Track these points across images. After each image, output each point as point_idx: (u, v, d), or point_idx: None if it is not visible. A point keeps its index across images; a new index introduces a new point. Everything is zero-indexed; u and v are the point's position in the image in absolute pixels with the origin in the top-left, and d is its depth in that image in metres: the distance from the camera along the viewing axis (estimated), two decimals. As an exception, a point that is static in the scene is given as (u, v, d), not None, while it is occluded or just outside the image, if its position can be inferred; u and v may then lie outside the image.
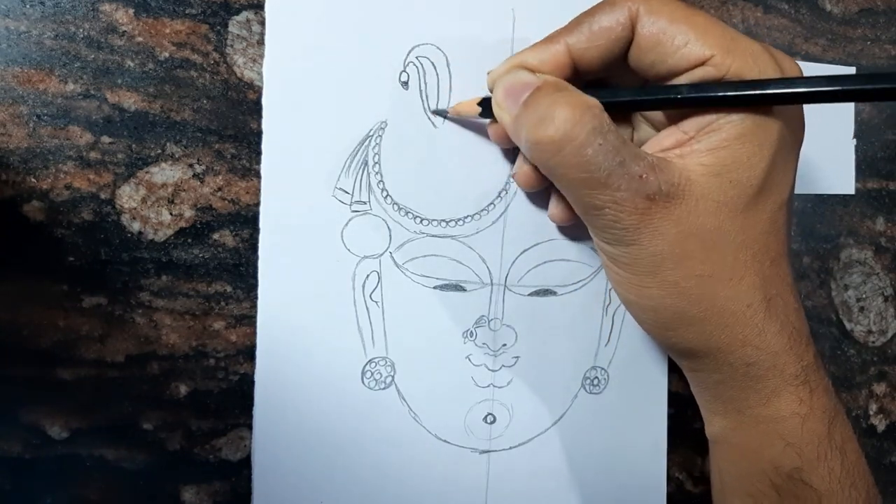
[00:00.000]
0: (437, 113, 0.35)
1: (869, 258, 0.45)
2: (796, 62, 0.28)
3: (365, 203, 0.35)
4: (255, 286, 0.34)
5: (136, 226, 0.33)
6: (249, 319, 0.34)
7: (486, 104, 0.33)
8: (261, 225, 0.34)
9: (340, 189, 0.35)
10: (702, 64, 0.26)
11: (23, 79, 0.31)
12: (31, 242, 0.32)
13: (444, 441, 0.37)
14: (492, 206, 0.37)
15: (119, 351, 0.33)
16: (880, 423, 0.45)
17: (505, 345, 0.37)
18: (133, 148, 0.33)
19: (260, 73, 0.34)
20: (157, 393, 0.33)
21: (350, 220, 0.35)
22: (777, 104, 0.26)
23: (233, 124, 0.34)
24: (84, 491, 0.33)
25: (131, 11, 0.33)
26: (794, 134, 0.28)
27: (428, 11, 0.36)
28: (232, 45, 0.34)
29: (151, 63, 0.33)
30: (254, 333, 0.34)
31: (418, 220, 0.36)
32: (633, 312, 0.31)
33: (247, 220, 0.34)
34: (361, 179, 0.35)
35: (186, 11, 0.33)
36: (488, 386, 0.37)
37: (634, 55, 0.27)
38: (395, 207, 0.35)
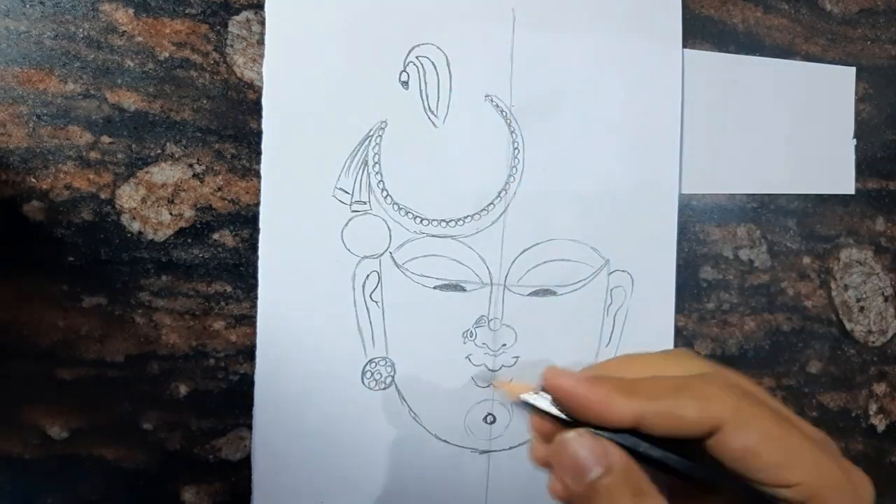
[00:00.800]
0: (480, 377, 0.32)
1: (869, 258, 0.45)
2: (872, 487, 0.25)
3: (365, 203, 0.35)
4: (255, 286, 0.34)
5: (136, 226, 0.33)
6: (249, 319, 0.34)
7: (533, 406, 0.26)
8: (261, 225, 0.34)
9: (340, 189, 0.35)
10: (786, 486, 0.25)
11: (23, 79, 0.31)
12: (31, 242, 0.32)
13: (444, 441, 0.37)
14: (492, 206, 0.37)
15: (119, 351, 0.33)
16: (880, 423, 0.45)
17: (505, 345, 0.37)
18: (133, 148, 0.33)
19: (260, 73, 0.34)
20: (157, 393, 0.33)
21: (350, 220, 0.35)
22: None
23: (233, 124, 0.34)
24: (84, 491, 0.33)
25: (131, 11, 0.33)
26: None
27: (428, 11, 0.36)
28: (232, 45, 0.34)
29: (151, 63, 0.33)
30: (254, 333, 0.34)
31: (418, 220, 0.36)
32: None
33: (247, 220, 0.34)
34: (361, 179, 0.35)
35: (186, 11, 0.33)
36: (488, 386, 0.37)
37: (715, 450, 0.25)
38: (395, 207, 0.35)
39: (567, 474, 0.25)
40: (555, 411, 0.25)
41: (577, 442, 0.25)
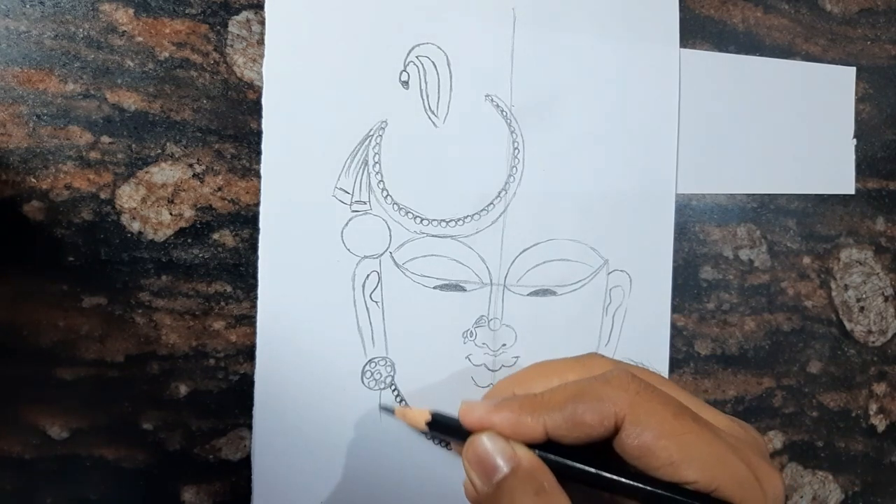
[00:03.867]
0: (383, 409, 0.35)
1: (869, 258, 0.45)
2: (782, 483, 0.25)
3: (365, 203, 0.35)
4: (255, 286, 0.34)
5: (136, 226, 0.33)
6: (249, 319, 0.34)
7: (436, 423, 0.28)
8: (261, 225, 0.34)
9: (340, 189, 0.35)
10: (683, 483, 0.25)
11: (23, 79, 0.31)
12: (31, 242, 0.32)
13: (444, 441, 0.37)
14: (492, 206, 0.37)
15: (119, 351, 0.33)
16: (880, 423, 0.45)
17: (504, 345, 0.37)
18: (133, 148, 0.33)
19: (260, 73, 0.34)
20: (157, 393, 0.33)
21: (350, 220, 0.35)
22: None
23: (233, 124, 0.34)
24: (84, 491, 0.33)
25: (131, 11, 0.33)
26: None
27: (428, 11, 0.36)
28: (232, 45, 0.34)
29: (151, 63, 0.33)
30: (254, 333, 0.34)
31: (418, 220, 0.36)
32: None
33: (247, 220, 0.34)
34: (361, 179, 0.35)
35: (186, 11, 0.33)
36: (488, 386, 0.37)
37: (619, 448, 0.25)
38: (395, 207, 0.36)
39: (476, 474, 0.25)
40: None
41: (487, 442, 0.25)
